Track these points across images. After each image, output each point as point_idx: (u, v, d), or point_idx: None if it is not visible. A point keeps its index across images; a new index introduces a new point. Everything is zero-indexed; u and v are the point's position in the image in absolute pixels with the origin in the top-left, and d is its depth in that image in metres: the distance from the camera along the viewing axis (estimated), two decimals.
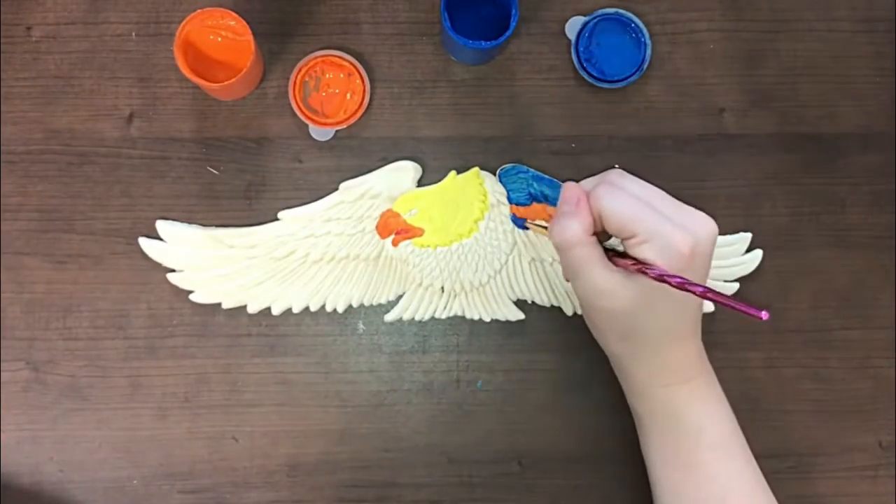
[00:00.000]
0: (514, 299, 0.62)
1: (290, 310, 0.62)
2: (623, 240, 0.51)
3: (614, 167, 0.63)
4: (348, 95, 0.62)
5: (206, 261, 0.61)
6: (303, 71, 0.62)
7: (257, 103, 0.63)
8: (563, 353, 0.62)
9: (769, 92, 0.64)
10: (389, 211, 0.61)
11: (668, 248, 0.49)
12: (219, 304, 0.61)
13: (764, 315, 0.43)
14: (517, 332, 0.63)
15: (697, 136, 0.64)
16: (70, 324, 0.61)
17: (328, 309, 0.62)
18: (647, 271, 0.49)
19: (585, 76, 0.63)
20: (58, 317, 0.61)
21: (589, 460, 0.62)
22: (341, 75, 0.62)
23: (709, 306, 0.62)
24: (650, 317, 0.52)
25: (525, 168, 0.62)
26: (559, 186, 0.61)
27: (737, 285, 0.63)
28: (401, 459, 0.62)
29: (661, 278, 0.48)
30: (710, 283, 0.61)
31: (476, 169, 0.62)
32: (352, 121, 0.62)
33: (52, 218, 0.62)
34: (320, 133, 0.62)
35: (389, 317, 0.62)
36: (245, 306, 0.61)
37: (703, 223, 0.51)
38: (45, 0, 0.63)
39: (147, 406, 0.61)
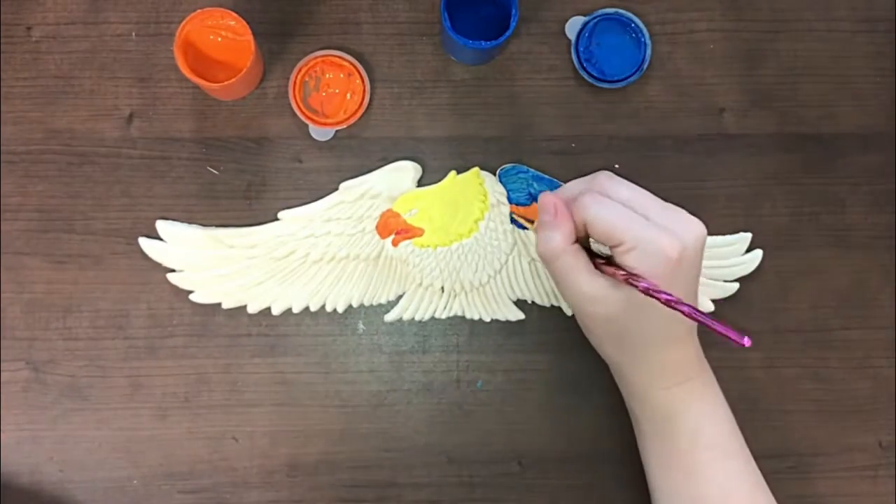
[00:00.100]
0: (514, 299, 0.62)
1: (290, 310, 0.62)
2: (611, 248, 0.51)
3: (615, 167, 0.63)
4: (348, 95, 0.62)
5: (206, 261, 0.61)
6: (303, 71, 0.62)
7: (257, 103, 0.63)
8: (563, 353, 0.62)
9: (769, 92, 0.64)
10: (389, 211, 0.61)
11: (656, 254, 0.49)
12: (219, 304, 0.61)
13: (746, 342, 0.43)
14: (517, 332, 0.63)
15: (697, 136, 0.64)
16: (70, 324, 0.61)
17: (328, 309, 0.62)
18: (636, 284, 0.48)
19: (585, 76, 0.63)
20: (58, 317, 0.61)
21: (588, 460, 0.62)
22: (341, 75, 0.62)
23: (706, 308, 0.62)
24: (642, 320, 0.51)
25: (525, 168, 0.62)
26: (559, 186, 0.61)
27: (737, 285, 0.63)
28: (401, 459, 0.62)
29: (648, 292, 0.48)
30: (710, 284, 0.62)
31: (476, 169, 0.62)
32: (352, 121, 0.62)
33: (52, 218, 0.62)
34: (320, 133, 0.62)
35: (389, 317, 0.62)
36: (245, 306, 0.61)
37: (690, 226, 0.50)
38: (45, 0, 0.63)
39: (147, 406, 0.61)
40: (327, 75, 0.62)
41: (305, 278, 0.61)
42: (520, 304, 0.62)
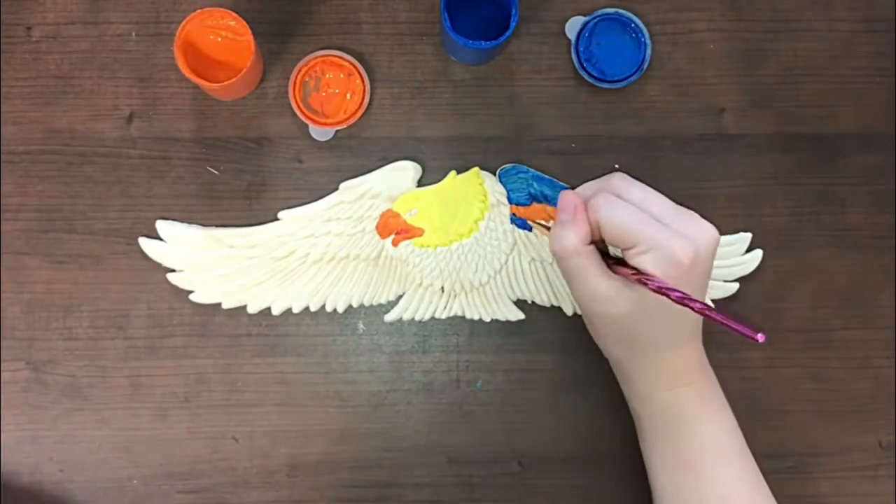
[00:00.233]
0: (514, 299, 0.62)
1: (290, 310, 0.62)
2: (622, 250, 0.51)
3: (615, 167, 0.63)
4: (348, 95, 0.62)
5: (206, 261, 0.61)
6: (303, 71, 0.62)
7: (257, 103, 0.63)
8: (564, 353, 0.62)
9: (769, 92, 0.64)
10: (389, 211, 0.61)
11: (668, 257, 0.49)
12: (219, 304, 0.61)
13: (760, 338, 0.42)
14: (517, 332, 0.63)
15: (697, 136, 0.64)
16: (70, 324, 0.61)
17: (328, 309, 0.62)
18: (647, 283, 0.48)
19: (585, 76, 0.63)
20: (58, 317, 0.61)
21: (588, 460, 0.62)
22: (341, 75, 0.62)
23: None
24: (649, 323, 0.51)
25: (525, 168, 0.62)
26: (559, 186, 0.61)
27: (737, 285, 0.63)
28: (401, 459, 0.62)
29: (660, 291, 0.48)
30: (710, 284, 0.61)
31: (476, 169, 0.62)
32: (352, 121, 0.62)
33: (52, 218, 0.62)
34: (320, 133, 0.62)
35: (389, 317, 0.62)
36: (245, 306, 0.61)
37: (703, 231, 0.50)
38: (45, 0, 0.63)
39: (147, 406, 0.61)
40: (327, 75, 0.62)
41: (305, 278, 0.61)
42: (520, 304, 0.62)
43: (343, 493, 0.62)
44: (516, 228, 0.62)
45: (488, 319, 0.62)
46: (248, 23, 0.58)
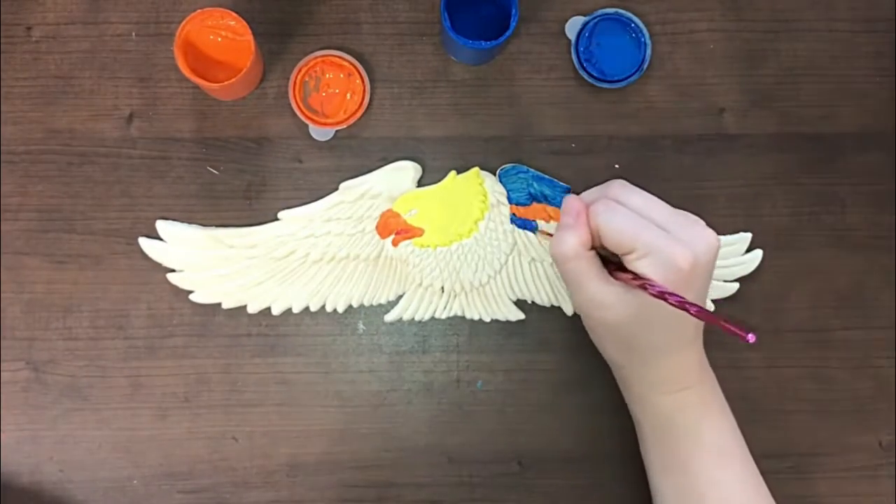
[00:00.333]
0: (514, 299, 0.62)
1: (290, 310, 0.62)
2: (622, 255, 0.51)
3: (615, 167, 0.63)
4: (348, 95, 0.62)
5: (206, 261, 0.61)
6: (303, 71, 0.62)
7: (257, 103, 0.63)
8: (564, 354, 0.62)
9: (769, 92, 0.64)
10: (389, 211, 0.61)
11: (667, 262, 0.49)
12: (219, 304, 0.61)
13: (751, 338, 0.43)
14: (517, 332, 0.63)
15: (697, 136, 0.64)
16: (70, 324, 0.61)
17: (328, 309, 0.62)
18: (647, 287, 0.48)
19: (585, 76, 0.63)
20: (58, 317, 0.61)
21: (589, 460, 0.62)
22: (341, 75, 0.62)
23: (707, 308, 0.62)
24: (648, 328, 0.52)
25: (525, 168, 0.62)
26: (559, 186, 0.61)
27: (737, 285, 0.63)
28: (401, 459, 0.62)
29: (661, 295, 0.48)
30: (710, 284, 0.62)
31: (476, 169, 0.62)
32: (352, 121, 0.62)
33: (52, 218, 0.62)
34: (320, 133, 0.62)
35: (389, 317, 0.62)
36: (245, 306, 0.61)
37: (703, 237, 0.50)
38: (45, 0, 0.63)
39: (147, 406, 0.61)
40: (327, 75, 0.62)
41: (305, 278, 0.61)
42: (520, 304, 0.62)
43: (343, 493, 0.62)
44: (516, 228, 0.62)
45: (488, 319, 0.62)
46: (248, 23, 0.58)
